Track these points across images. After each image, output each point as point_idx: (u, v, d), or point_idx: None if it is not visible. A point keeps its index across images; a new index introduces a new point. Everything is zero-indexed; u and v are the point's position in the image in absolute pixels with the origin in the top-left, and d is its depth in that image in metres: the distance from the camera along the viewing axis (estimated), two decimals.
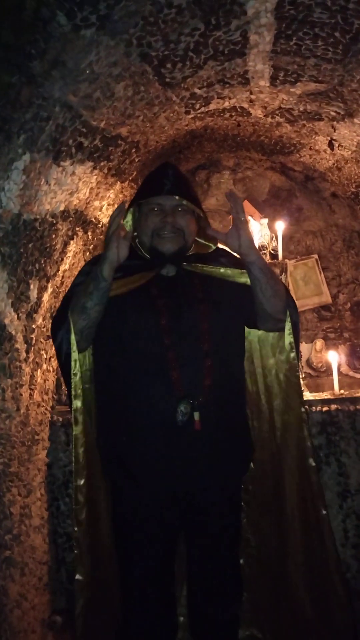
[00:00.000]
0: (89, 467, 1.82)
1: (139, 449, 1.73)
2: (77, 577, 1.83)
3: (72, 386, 1.78)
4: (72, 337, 1.71)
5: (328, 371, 3.10)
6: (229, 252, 2.10)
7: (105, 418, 1.83)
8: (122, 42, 1.65)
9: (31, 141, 1.69)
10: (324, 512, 1.88)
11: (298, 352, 1.92)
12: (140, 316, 1.73)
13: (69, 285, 2.31)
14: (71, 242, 2.38)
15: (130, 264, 1.80)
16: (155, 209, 1.78)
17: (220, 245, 1.96)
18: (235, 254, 1.80)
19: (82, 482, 1.79)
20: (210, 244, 1.92)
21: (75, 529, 1.82)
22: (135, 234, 1.87)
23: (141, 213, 1.83)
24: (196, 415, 1.68)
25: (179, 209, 1.78)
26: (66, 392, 2.00)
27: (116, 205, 2.75)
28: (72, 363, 1.75)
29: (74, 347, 1.73)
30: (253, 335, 1.96)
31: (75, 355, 1.74)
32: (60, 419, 2.46)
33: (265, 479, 1.98)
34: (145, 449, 1.73)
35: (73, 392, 1.78)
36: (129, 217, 1.88)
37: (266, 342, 1.99)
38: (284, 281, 3.15)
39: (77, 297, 1.72)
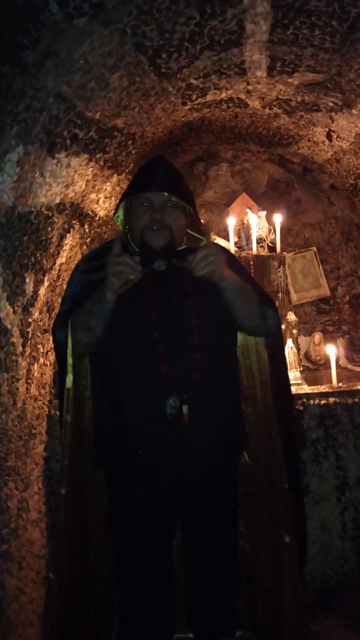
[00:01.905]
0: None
1: (130, 442, 1.74)
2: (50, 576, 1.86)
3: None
4: (69, 351, 1.79)
5: (326, 364, 3.09)
6: (221, 246, 2.09)
7: (99, 410, 1.83)
8: (116, 32, 1.63)
9: (25, 133, 1.67)
10: (287, 539, 1.90)
11: (278, 358, 1.92)
12: (131, 310, 1.74)
13: (66, 278, 2.30)
14: (67, 235, 2.37)
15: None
16: (145, 204, 1.78)
17: (213, 239, 1.95)
18: (228, 250, 1.80)
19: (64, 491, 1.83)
20: (202, 237, 1.91)
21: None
22: (127, 227, 1.86)
23: (132, 208, 1.82)
24: (185, 409, 1.70)
25: (168, 205, 1.78)
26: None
27: (113, 198, 2.75)
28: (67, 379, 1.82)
29: (70, 362, 1.80)
30: None
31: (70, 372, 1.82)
32: (58, 413, 2.45)
33: (259, 472, 1.98)
34: (137, 442, 1.74)
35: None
36: (120, 212, 1.88)
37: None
38: (281, 274, 3.14)
39: (82, 315, 1.75)
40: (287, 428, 1.94)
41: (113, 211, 2.83)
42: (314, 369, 3.32)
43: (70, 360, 1.79)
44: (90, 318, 1.71)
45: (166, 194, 1.76)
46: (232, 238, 3.16)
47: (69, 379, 1.81)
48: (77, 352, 1.80)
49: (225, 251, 2.05)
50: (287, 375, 2.06)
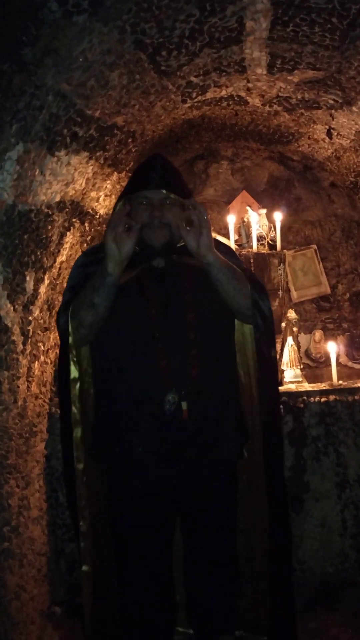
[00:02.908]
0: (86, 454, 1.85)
1: (130, 438, 1.75)
2: (84, 568, 1.85)
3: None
4: (69, 328, 1.76)
5: (327, 362, 3.09)
6: (220, 242, 2.09)
7: (101, 408, 1.84)
8: (115, 29, 1.63)
9: (24, 131, 1.67)
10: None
11: (269, 347, 1.88)
12: (130, 307, 1.74)
13: (66, 277, 2.30)
14: (68, 233, 2.37)
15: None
16: (144, 202, 1.78)
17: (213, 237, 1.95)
18: (227, 245, 1.80)
19: (81, 466, 1.81)
20: None
21: (81, 523, 1.84)
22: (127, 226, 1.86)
23: (131, 206, 1.83)
24: (184, 405, 1.71)
25: (167, 202, 1.78)
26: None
27: (114, 197, 2.75)
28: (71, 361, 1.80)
29: (71, 339, 1.77)
30: (246, 326, 1.96)
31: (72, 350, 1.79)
32: (59, 411, 2.45)
33: (256, 468, 1.99)
34: (136, 438, 1.74)
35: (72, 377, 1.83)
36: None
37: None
38: (282, 272, 3.14)
39: (84, 292, 1.73)
40: (269, 421, 1.91)
41: (113, 209, 2.84)
42: (315, 366, 3.32)
43: (73, 353, 1.78)
44: (93, 294, 1.69)
45: (164, 191, 1.76)
46: (233, 236, 3.16)
47: (73, 370, 1.80)
48: (79, 338, 1.78)
49: (226, 247, 2.05)
50: (275, 367, 1.99)
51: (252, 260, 3.07)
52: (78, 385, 1.82)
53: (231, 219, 3.18)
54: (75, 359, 1.80)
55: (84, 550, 1.86)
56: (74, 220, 2.40)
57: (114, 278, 1.66)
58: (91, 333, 1.76)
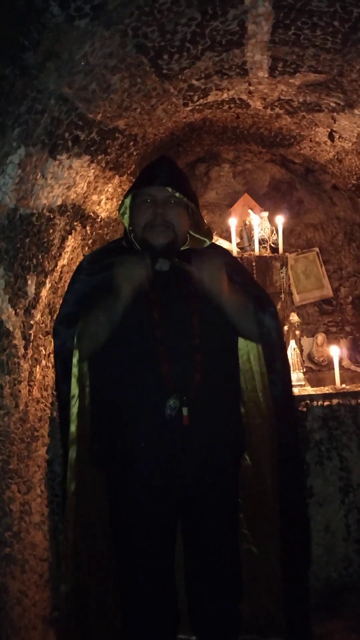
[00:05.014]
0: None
1: (130, 443, 1.74)
2: (62, 588, 1.86)
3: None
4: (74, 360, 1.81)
5: (329, 365, 3.08)
6: (224, 249, 2.09)
7: (99, 410, 1.83)
8: (117, 33, 1.63)
9: (26, 134, 1.67)
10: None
11: (278, 366, 1.87)
12: (133, 310, 1.73)
13: (68, 280, 2.30)
14: (69, 237, 2.37)
15: (125, 259, 1.80)
16: (148, 200, 1.78)
17: (215, 240, 1.96)
18: (229, 252, 1.81)
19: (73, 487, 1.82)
20: (206, 239, 1.91)
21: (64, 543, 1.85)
22: (131, 227, 1.86)
23: (135, 204, 1.82)
24: (185, 411, 1.69)
25: (171, 202, 1.78)
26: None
27: (115, 200, 2.75)
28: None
29: (75, 359, 1.82)
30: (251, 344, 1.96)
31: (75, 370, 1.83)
32: (57, 415, 2.45)
33: (261, 477, 1.98)
34: (137, 443, 1.73)
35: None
36: (126, 210, 1.88)
37: None
38: (284, 275, 3.14)
39: (89, 324, 1.77)
40: (287, 437, 1.89)
41: (115, 212, 2.84)
42: (317, 370, 3.31)
43: (75, 370, 1.80)
44: (104, 314, 1.75)
45: (169, 189, 1.76)
46: (234, 239, 3.15)
47: (74, 387, 1.81)
48: (84, 354, 1.81)
49: (227, 254, 2.05)
50: (289, 383, 1.97)
51: (254, 264, 3.07)
52: (78, 402, 1.82)
53: (233, 222, 3.17)
54: (76, 376, 1.81)
55: (64, 571, 1.87)
56: (75, 223, 2.39)
57: (120, 309, 1.72)
58: (99, 347, 1.78)
